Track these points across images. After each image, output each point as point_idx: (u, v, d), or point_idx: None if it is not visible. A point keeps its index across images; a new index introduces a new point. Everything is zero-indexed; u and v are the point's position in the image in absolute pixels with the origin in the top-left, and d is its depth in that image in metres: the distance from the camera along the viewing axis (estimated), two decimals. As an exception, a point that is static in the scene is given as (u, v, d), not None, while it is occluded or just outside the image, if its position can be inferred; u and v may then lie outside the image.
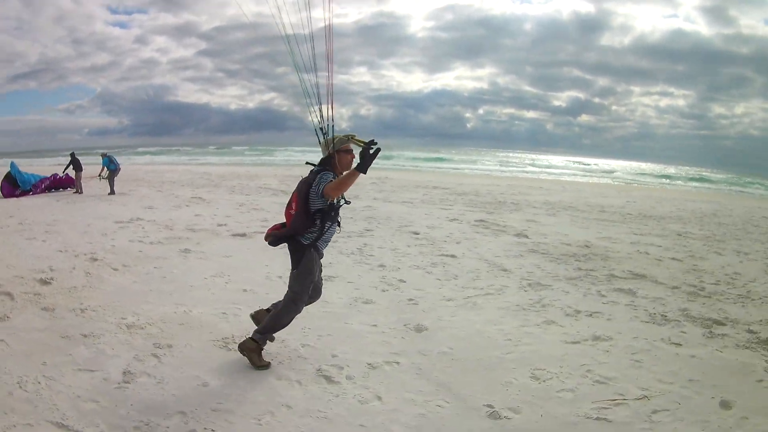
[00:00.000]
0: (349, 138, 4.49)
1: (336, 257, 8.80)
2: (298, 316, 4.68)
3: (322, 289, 5.01)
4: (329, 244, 4.71)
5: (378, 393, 4.27)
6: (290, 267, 4.60)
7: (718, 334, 5.88)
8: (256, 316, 4.93)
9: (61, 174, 19.09)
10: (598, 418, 4.11)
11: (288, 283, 4.64)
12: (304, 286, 4.54)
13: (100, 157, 18.78)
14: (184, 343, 5.02)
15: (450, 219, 13.95)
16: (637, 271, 8.56)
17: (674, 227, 13.96)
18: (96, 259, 8.10)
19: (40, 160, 38.99)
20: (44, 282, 6.76)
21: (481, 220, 13.68)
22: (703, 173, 57.43)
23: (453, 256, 9.42)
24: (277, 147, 70.80)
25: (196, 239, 10.10)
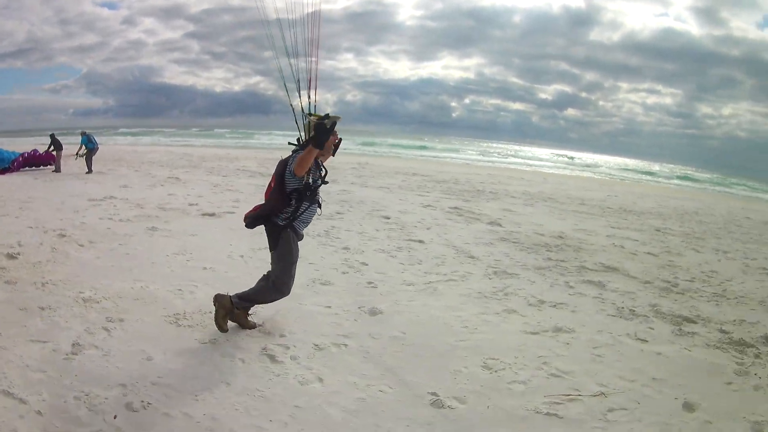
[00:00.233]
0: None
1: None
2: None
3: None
4: (309, 225, 4.67)
5: (320, 374, 4.14)
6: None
7: (688, 332, 5.54)
8: (217, 299, 4.81)
9: (40, 151, 18.89)
10: (548, 413, 3.81)
11: (271, 265, 4.61)
12: (285, 268, 4.49)
13: (80, 136, 18.60)
14: (136, 318, 4.98)
15: (424, 205, 13.57)
16: (609, 263, 8.22)
17: (654, 223, 13.67)
18: (64, 236, 8.00)
19: (23, 140, 38.07)
20: (11, 257, 6.70)
21: (456, 208, 13.32)
22: (688, 172, 57.26)
23: (421, 241, 9.07)
24: (259, 130, 69.97)
25: (165, 218, 9.95)
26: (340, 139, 4.56)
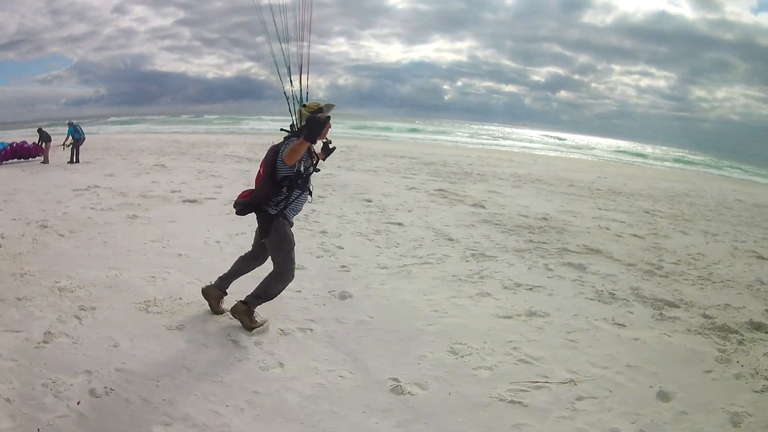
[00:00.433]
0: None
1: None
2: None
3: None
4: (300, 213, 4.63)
5: (282, 360, 4.08)
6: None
7: (669, 317, 5.33)
8: (206, 291, 4.88)
9: (29, 143, 18.58)
10: (512, 401, 3.64)
11: (270, 255, 4.54)
12: (286, 255, 4.42)
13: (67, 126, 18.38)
14: (108, 306, 4.94)
15: (409, 188, 13.28)
16: (592, 246, 7.98)
17: (643, 204, 13.42)
18: (46, 226, 7.91)
19: (15, 131, 37.45)
20: None
21: (441, 189, 13.03)
22: (681, 154, 56.91)
23: (400, 224, 8.83)
24: (251, 116, 69.33)
25: (146, 205, 9.78)
26: (334, 147, 4.64)
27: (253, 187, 4.48)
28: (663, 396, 3.79)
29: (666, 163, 44.05)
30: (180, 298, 5.15)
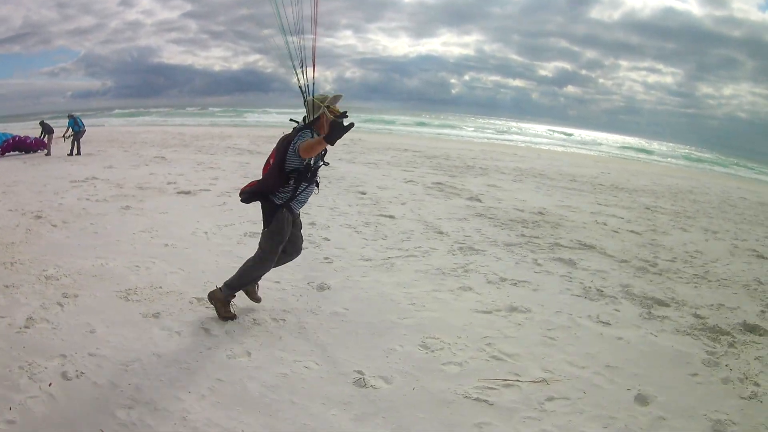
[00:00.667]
0: (323, 106, 4.29)
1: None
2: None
3: (302, 246, 4.84)
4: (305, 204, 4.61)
5: (250, 349, 4.08)
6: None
7: (658, 316, 5.11)
8: (210, 297, 4.74)
9: (31, 137, 18.61)
10: (477, 399, 3.49)
11: (258, 241, 4.54)
12: (274, 245, 4.42)
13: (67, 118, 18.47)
14: (90, 294, 5.02)
15: (407, 181, 13.09)
16: (586, 241, 7.77)
17: (645, 200, 13.15)
18: (40, 217, 7.97)
19: (21, 124, 37.48)
20: None
21: (438, 183, 12.82)
22: (687, 151, 56.11)
23: (391, 216, 8.67)
24: (256, 108, 69.37)
25: (141, 197, 9.76)
26: (352, 123, 4.43)
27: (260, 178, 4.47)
28: (641, 399, 3.59)
29: (671, 159, 43.44)
30: (160, 287, 5.17)
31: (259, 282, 4.78)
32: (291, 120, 4.52)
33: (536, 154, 27.85)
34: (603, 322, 4.84)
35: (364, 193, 10.78)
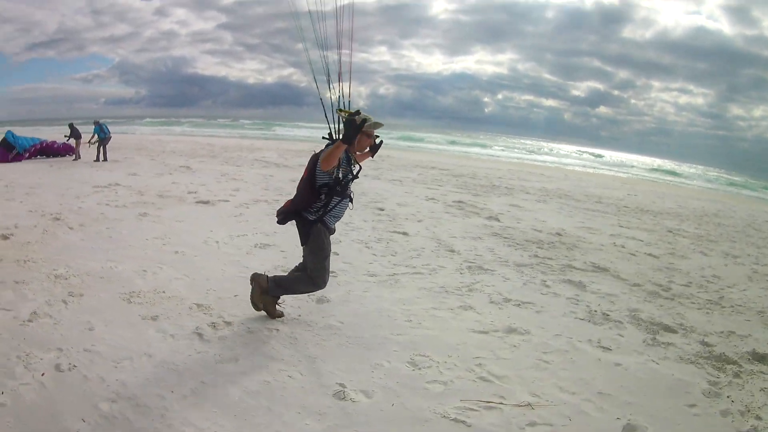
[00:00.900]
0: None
1: (282, 227, 8.19)
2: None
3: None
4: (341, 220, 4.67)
5: (239, 355, 4.14)
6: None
7: (662, 343, 4.96)
8: (254, 278, 4.83)
9: (59, 142, 19.28)
10: (455, 419, 3.44)
11: (304, 260, 4.64)
12: (319, 262, 4.49)
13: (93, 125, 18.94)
14: (94, 294, 5.17)
15: (428, 198, 13.11)
16: (600, 263, 7.64)
17: (668, 223, 12.88)
18: (58, 219, 8.22)
19: (50, 128, 38.51)
20: (4, 237, 6.99)
21: (459, 201, 12.79)
22: (716, 174, 54.79)
23: (405, 233, 8.69)
24: (289, 122, 70.20)
25: (160, 204, 9.99)
26: (381, 141, 4.71)
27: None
28: (630, 429, 3.47)
29: (697, 182, 42.49)
30: (163, 292, 5.29)
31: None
32: (323, 138, 4.56)
33: (563, 175, 27.62)
34: (603, 347, 4.73)
35: (382, 209, 10.81)
